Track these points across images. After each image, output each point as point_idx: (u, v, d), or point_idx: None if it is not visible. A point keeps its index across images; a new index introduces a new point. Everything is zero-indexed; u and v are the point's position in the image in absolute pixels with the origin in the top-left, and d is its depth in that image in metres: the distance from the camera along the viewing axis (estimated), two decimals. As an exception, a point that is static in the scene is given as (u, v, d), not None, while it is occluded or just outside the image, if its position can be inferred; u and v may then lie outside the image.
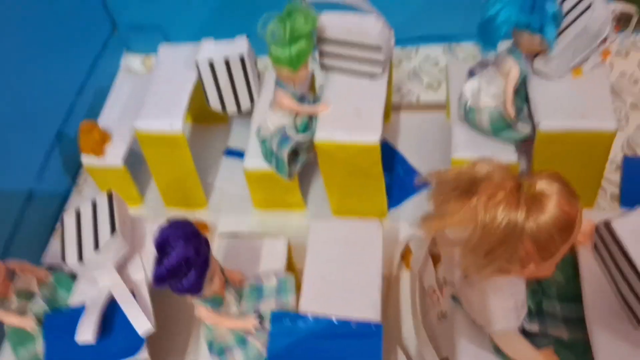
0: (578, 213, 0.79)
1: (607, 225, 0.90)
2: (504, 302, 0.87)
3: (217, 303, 0.99)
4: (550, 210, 0.76)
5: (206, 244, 0.92)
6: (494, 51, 1.20)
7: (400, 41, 1.83)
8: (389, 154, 1.55)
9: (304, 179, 1.54)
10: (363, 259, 1.09)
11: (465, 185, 0.80)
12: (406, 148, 1.58)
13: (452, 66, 1.48)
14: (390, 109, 1.64)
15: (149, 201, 1.61)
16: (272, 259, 1.20)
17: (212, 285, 0.94)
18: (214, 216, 1.54)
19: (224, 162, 1.65)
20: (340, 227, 1.16)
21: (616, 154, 1.43)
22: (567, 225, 0.77)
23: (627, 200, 1.35)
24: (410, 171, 1.52)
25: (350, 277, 1.06)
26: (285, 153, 1.33)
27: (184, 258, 0.87)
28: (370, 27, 1.31)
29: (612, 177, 1.40)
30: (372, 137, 1.27)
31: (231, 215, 1.53)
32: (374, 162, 1.31)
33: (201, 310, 0.99)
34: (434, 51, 1.80)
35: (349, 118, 1.31)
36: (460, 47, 1.79)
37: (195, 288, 0.90)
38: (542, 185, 0.78)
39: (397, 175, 1.52)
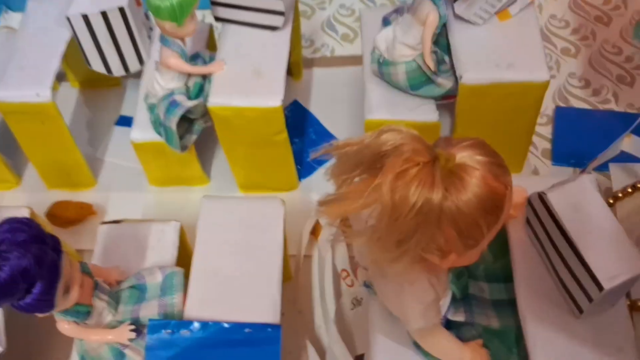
0: (507, 189, 0.64)
1: (541, 196, 0.76)
2: (422, 297, 0.72)
3: (81, 314, 0.81)
4: (473, 187, 0.61)
5: (55, 248, 0.73)
6: (409, -6, 1.04)
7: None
8: (300, 116, 1.38)
9: (207, 150, 1.36)
10: (261, 246, 0.92)
11: (370, 161, 0.64)
12: (320, 108, 1.41)
13: (367, 13, 1.30)
14: (301, 66, 1.46)
15: (28, 183, 1.39)
16: (162, 249, 1.02)
17: (70, 297, 0.76)
18: (104, 197, 1.34)
19: (116, 133, 1.44)
20: (236, 207, 0.99)
21: (547, 106, 1.31)
22: (493, 204, 0.63)
23: (560, 156, 1.23)
24: (325, 134, 1.36)
25: (245, 270, 0.90)
26: (174, 122, 1.14)
27: (21, 271, 0.68)
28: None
29: (542, 131, 1.28)
30: (273, 100, 1.09)
31: (124, 195, 1.34)
32: (278, 129, 1.13)
33: (61, 324, 0.81)
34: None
35: (247, 79, 1.12)
36: (377, -8, 1.62)
37: (42, 306, 0.72)
38: (463, 156, 0.63)
39: (309, 140, 1.35)
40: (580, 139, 1.23)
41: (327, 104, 1.42)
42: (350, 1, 1.62)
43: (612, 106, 1.28)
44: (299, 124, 1.37)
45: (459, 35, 1.09)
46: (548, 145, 1.25)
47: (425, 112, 1.13)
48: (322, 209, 0.67)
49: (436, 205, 0.61)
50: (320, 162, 1.31)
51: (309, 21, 1.60)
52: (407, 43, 1.10)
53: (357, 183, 0.65)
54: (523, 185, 0.87)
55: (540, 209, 0.77)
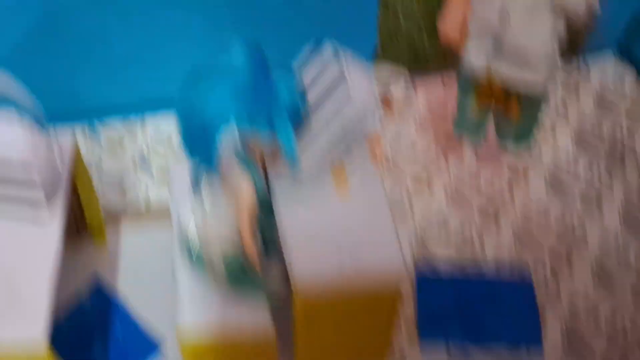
0: None
1: None
2: None
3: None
4: None
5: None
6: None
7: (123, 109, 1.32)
8: (103, 307, 1.03)
9: None
10: None
11: None
12: (130, 288, 1.05)
13: (178, 169, 0.99)
14: (102, 223, 1.10)
15: None
16: None
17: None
18: None
19: None
20: None
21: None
22: None
23: (426, 330, 1.00)
24: (136, 331, 1.01)
25: None
26: None
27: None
28: (12, 147, 0.80)
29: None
30: (29, 331, 0.76)
31: None
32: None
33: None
34: (167, 123, 1.30)
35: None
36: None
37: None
38: None
39: (116, 342, 1.00)
40: (448, 309, 1.01)
41: (139, 278, 1.05)
42: (168, 127, 1.31)
43: (477, 249, 1.08)
44: (101, 318, 1.02)
45: (286, 216, 0.81)
46: (410, 312, 1.01)
47: (254, 316, 0.83)
48: None
49: None
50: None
51: (114, 156, 1.26)
52: (219, 218, 0.80)
53: None
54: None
55: None
